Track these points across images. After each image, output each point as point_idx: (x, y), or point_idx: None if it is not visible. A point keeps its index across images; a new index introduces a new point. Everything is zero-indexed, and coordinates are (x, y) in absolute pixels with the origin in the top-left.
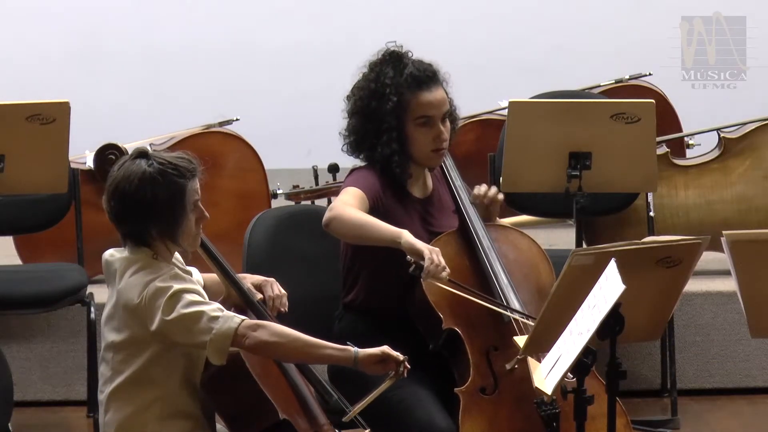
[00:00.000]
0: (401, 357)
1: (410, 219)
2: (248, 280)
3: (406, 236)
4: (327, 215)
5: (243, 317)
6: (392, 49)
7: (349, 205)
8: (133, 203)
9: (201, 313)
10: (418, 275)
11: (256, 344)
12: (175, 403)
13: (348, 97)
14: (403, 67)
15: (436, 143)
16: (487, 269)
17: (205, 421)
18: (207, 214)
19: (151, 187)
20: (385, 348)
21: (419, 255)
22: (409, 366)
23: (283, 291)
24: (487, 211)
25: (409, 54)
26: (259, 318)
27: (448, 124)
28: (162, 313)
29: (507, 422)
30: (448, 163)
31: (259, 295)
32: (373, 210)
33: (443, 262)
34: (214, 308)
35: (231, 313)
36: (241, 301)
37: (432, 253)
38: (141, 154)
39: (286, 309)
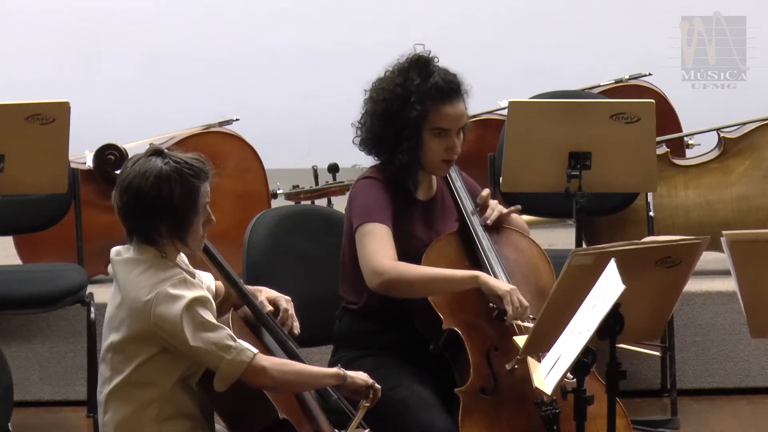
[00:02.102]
0: (377, 387)
1: (412, 221)
2: (264, 294)
3: (483, 279)
4: (378, 280)
5: (255, 351)
6: (420, 53)
7: (390, 257)
8: (147, 200)
9: (214, 340)
10: (502, 321)
11: (267, 384)
12: (173, 403)
13: (371, 98)
14: (429, 75)
15: (447, 154)
16: (488, 270)
17: (204, 422)
18: (214, 218)
19: (167, 185)
20: (366, 377)
21: (498, 297)
22: (378, 397)
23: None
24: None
25: (436, 60)
26: (261, 322)
27: (461, 135)
28: (178, 331)
29: (507, 423)
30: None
31: (270, 308)
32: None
33: (524, 301)
34: (225, 335)
35: (243, 345)
36: (241, 302)
37: (512, 296)
38: (156, 152)
39: (299, 332)
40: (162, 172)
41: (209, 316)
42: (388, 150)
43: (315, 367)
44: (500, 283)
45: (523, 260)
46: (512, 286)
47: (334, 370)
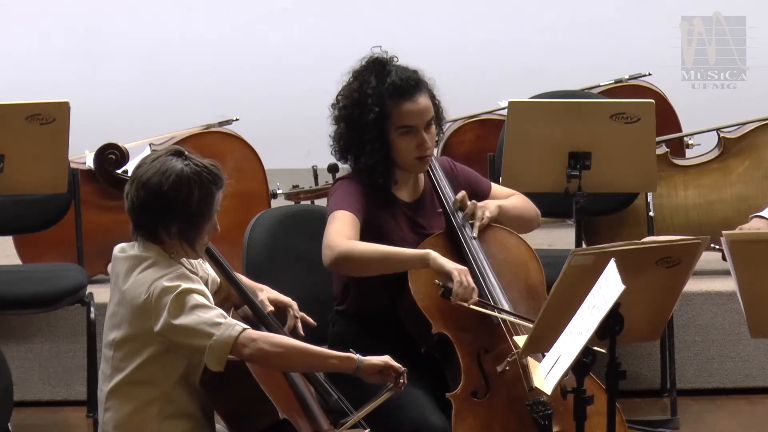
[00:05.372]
0: (401, 369)
1: (397, 224)
2: (265, 293)
3: (433, 256)
4: (331, 255)
5: (245, 326)
6: (376, 55)
7: (346, 236)
8: (165, 199)
9: (202, 319)
10: (447, 298)
11: (257, 354)
12: (174, 402)
13: (333, 104)
14: (385, 75)
15: (420, 151)
16: (475, 270)
17: (205, 421)
18: (219, 228)
19: (187, 186)
20: (387, 358)
21: (447, 276)
22: (406, 380)
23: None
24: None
25: (394, 60)
26: (261, 322)
27: (433, 129)
28: (168, 314)
29: (500, 425)
30: (434, 164)
31: (270, 308)
32: (365, 225)
33: (472, 283)
34: (217, 314)
35: (233, 321)
36: (241, 302)
37: (461, 275)
38: (176, 152)
39: (303, 334)
40: (183, 173)
41: (202, 300)
42: (355, 155)
43: (319, 347)
44: (449, 262)
45: (511, 258)
46: (462, 267)
47: (345, 354)
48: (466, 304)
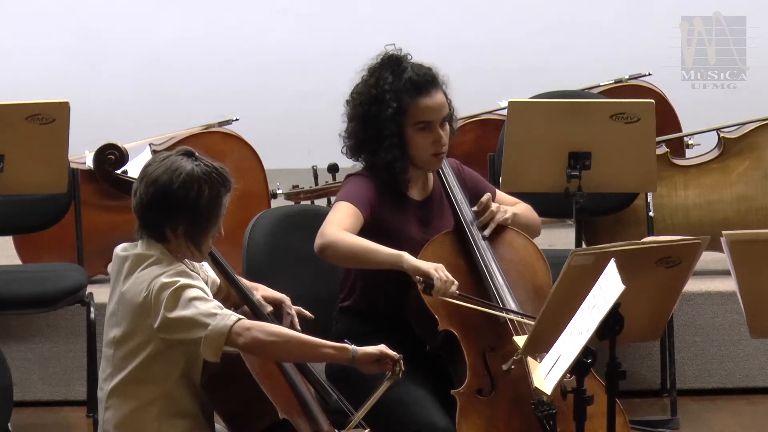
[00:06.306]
0: (397, 356)
1: (407, 223)
2: (261, 292)
3: (407, 258)
4: (319, 241)
5: (240, 316)
6: (391, 52)
7: (341, 227)
8: (174, 197)
9: (199, 310)
10: (429, 294)
11: (251, 343)
12: (174, 402)
13: (347, 101)
14: (402, 72)
15: (436, 147)
16: (483, 269)
17: (205, 421)
18: (222, 232)
19: (197, 186)
20: (383, 347)
21: (425, 275)
22: (404, 367)
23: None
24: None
25: (408, 57)
26: (261, 320)
27: (447, 127)
28: (165, 309)
29: (504, 423)
30: (444, 164)
31: (269, 308)
32: (370, 221)
33: (450, 277)
34: (213, 305)
35: (228, 312)
36: (241, 302)
37: (438, 271)
38: (187, 152)
39: (299, 329)
40: (193, 173)
41: (199, 293)
42: (371, 151)
43: (315, 337)
44: (423, 262)
45: (519, 259)
46: (438, 264)
47: (340, 344)
48: (449, 299)
